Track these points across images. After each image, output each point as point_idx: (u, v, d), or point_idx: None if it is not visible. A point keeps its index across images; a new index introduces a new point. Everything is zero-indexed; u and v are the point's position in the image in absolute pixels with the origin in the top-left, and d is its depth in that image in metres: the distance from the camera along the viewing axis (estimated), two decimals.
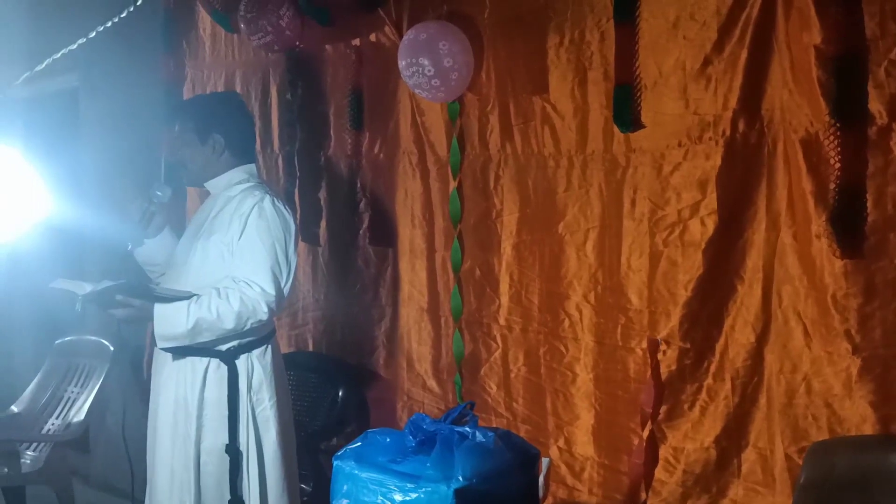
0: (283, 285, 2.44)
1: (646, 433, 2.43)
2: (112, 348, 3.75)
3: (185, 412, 2.45)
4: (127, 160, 4.04)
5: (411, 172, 3.11)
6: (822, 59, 2.03)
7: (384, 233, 3.21)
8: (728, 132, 2.27)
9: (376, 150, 3.22)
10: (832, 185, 2.04)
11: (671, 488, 2.41)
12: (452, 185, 2.94)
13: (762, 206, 2.24)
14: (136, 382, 3.70)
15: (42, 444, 3.66)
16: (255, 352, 2.49)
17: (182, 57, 3.89)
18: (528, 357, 2.78)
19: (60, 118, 4.64)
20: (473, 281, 2.92)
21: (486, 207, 2.87)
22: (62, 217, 3.55)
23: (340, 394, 3.22)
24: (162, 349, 2.46)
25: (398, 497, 1.92)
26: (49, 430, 3.76)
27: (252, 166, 2.64)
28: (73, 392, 3.82)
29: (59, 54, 3.32)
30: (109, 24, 3.15)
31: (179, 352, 2.45)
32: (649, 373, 2.42)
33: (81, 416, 3.65)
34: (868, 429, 2.06)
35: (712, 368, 2.34)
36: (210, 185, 2.61)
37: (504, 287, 2.83)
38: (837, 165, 2.03)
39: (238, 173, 2.58)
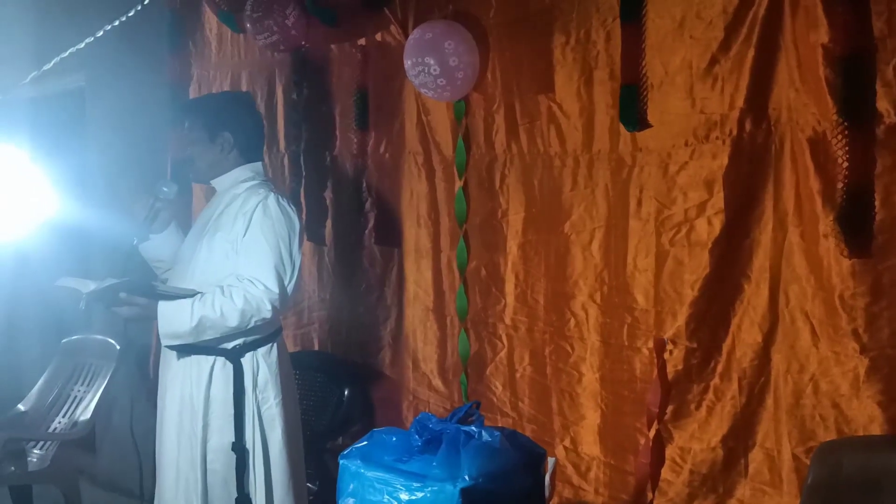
0: (287, 283, 2.44)
1: (652, 433, 2.43)
2: (118, 347, 3.77)
3: (192, 411, 2.45)
4: (133, 160, 4.05)
5: (417, 172, 3.11)
6: (829, 57, 2.02)
7: (390, 232, 3.21)
8: (735, 131, 2.26)
9: (382, 149, 3.22)
10: (840, 185, 2.04)
11: (678, 488, 2.41)
12: (458, 184, 2.94)
13: (769, 205, 2.24)
14: (142, 381, 3.71)
15: (49, 442, 3.67)
16: (261, 350, 2.49)
17: (188, 57, 3.90)
18: (533, 357, 2.78)
19: (67, 118, 4.65)
20: (479, 280, 2.92)
21: (491, 207, 2.87)
22: (68, 216, 3.56)
23: (346, 393, 3.22)
24: (166, 347, 2.47)
25: (404, 496, 1.92)
26: (55, 428, 3.77)
27: (258, 164, 2.64)
28: (79, 391, 3.83)
29: (66, 53, 3.33)
30: (117, 22, 3.15)
31: (185, 350, 2.45)
32: (655, 372, 2.41)
33: (88, 414, 3.67)
34: (876, 429, 2.05)
35: (719, 368, 2.34)
36: (216, 182, 2.62)
37: (510, 287, 2.83)
38: (845, 165, 2.02)
39: (244, 171, 2.59)
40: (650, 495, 2.45)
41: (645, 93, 2.43)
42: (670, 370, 2.40)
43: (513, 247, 2.81)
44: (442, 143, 3.02)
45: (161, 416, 2.54)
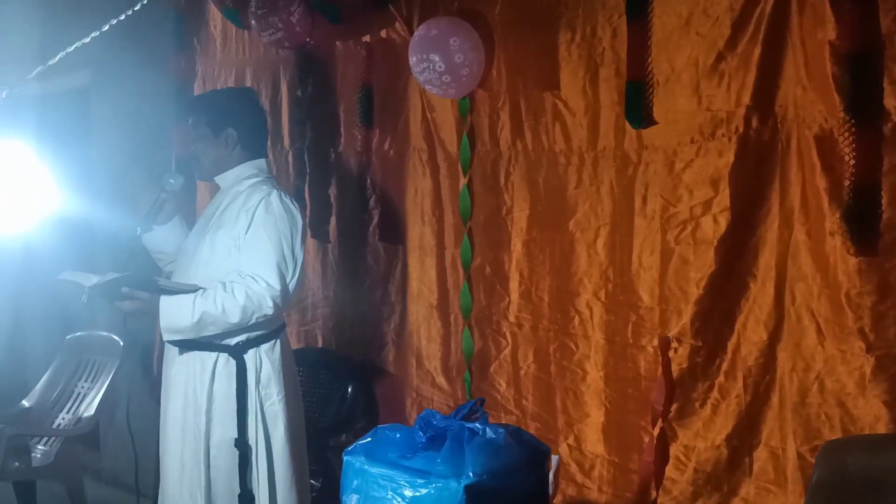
0: (288, 280, 2.44)
1: (656, 431, 2.42)
2: (122, 344, 3.77)
3: (195, 406, 2.46)
4: (137, 156, 4.05)
5: (421, 169, 3.10)
6: (836, 55, 2.01)
7: (394, 229, 3.21)
8: (741, 129, 2.25)
9: (386, 146, 3.22)
10: (846, 183, 2.03)
11: (682, 487, 2.40)
12: (463, 181, 2.94)
13: (775, 203, 2.23)
14: (145, 378, 3.71)
15: (53, 438, 3.69)
16: (264, 346, 2.49)
17: (193, 54, 3.90)
18: (537, 354, 2.77)
19: (72, 115, 4.66)
20: (483, 278, 2.92)
21: (496, 204, 2.87)
22: (73, 212, 3.56)
23: (350, 390, 3.22)
24: (168, 342, 2.47)
25: (408, 492, 1.92)
26: (59, 424, 3.78)
27: (262, 161, 2.64)
28: (83, 387, 3.84)
29: (72, 48, 3.33)
30: (123, 17, 3.15)
31: (188, 346, 2.46)
32: (660, 371, 2.41)
33: (91, 411, 3.68)
34: (882, 428, 2.04)
35: (724, 366, 2.33)
36: (220, 179, 2.62)
37: (514, 284, 2.82)
38: (852, 162, 2.01)
39: (248, 168, 2.59)
40: (654, 493, 2.44)
41: (651, 90, 2.42)
42: (675, 368, 2.39)
43: (517, 244, 2.81)
44: (446, 140, 3.01)
45: (165, 412, 2.54)
